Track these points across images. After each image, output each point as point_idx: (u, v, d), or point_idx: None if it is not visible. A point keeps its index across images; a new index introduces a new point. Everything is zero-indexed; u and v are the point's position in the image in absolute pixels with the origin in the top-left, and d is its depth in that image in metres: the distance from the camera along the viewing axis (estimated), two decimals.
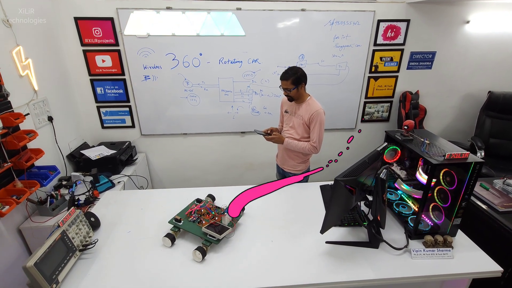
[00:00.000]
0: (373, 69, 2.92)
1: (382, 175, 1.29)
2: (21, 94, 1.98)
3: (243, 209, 1.66)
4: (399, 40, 2.83)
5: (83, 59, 2.61)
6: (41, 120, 2.17)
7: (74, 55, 2.58)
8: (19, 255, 1.88)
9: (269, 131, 2.07)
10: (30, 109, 2.04)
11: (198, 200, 1.59)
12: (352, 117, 3.13)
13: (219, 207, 1.58)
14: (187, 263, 1.31)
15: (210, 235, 1.37)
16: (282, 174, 2.24)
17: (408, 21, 2.76)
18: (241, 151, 3.17)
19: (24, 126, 1.91)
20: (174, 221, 1.47)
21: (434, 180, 1.37)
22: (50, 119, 2.27)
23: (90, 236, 1.45)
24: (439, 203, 1.41)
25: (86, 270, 1.29)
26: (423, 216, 1.47)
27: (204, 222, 1.46)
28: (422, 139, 1.51)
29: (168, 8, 2.49)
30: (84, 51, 2.58)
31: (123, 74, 2.70)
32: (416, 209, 1.59)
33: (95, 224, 1.56)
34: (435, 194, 1.42)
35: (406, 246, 1.37)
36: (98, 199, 2.02)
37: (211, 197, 1.72)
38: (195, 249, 1.30)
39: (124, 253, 1.39)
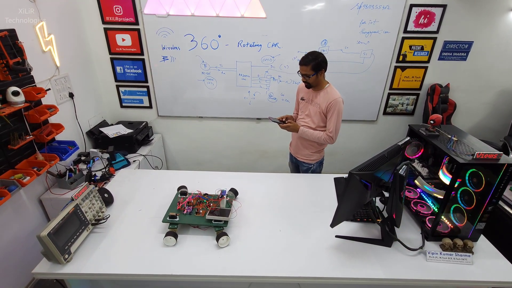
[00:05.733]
0: (400, 58, 2.73)
1: (401, 172, 1.21)
2: (43, 69, 2.02)
3: (236, 192, 1.65)
4: (433, 27, 2.61)
5: (104, 37, 2.62)
6: (62, 96, 2.22)
7: (95, 32, 2.60)
8: (40, 224, 1.99)
9: (284, 119, 2.00)
10: (52, 85, 2.09)
11: (183, 193, 1.57)
12: (373, 109, 2.97)
13: (208, 194, 1.56)
14: (191, 250, 1.31)
15: (215, 221, 1.37)
16: (295, 163, 2.18)
17: (444, 6, 2.52)
18: (255, 137, 3.13)
19: (45, 101, 1.96)
20: (169, 218, 1.38)
21: (458, 180, 1.27)
22: (71, 95, 2.33)
23: (103, 212, 1.49)
24: (462, 205, 1.32)
25: (97, 244, 1.33)
26: (443, 217, 1.38)
27: (201, 211, 1.44)
28: (449, 136, 1.40)
29: None
30: (105, 29, 2.59)
31: (142, 54, 2.70)
32: (436, 210, 1.50)
33: (108, 200, 1.60)
34: (458, 195, 1.32)
35: (421, 247, 1.30)
36: (114, 176, 2.07)
37: (184, 187, 1.66)
38: (218, 236, 1.30)
39: (134, 230, 1.42)
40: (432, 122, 1.46)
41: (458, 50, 2.71)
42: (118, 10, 2.51)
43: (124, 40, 2.64)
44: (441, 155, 1.45)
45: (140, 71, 2.79)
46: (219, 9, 2.49)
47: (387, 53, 2.70)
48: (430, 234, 1.36)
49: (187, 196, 1.54)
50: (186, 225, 1.42)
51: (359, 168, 1.14)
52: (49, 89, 1.96)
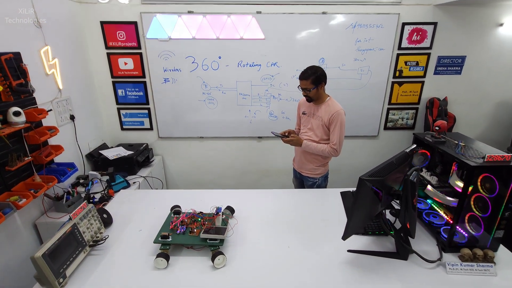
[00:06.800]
0: (397, 74, 2.80)
1: (412, 178, 1.18)
2: (46, 91, 2.04)
3: (233, 210, 1.59)
4: (425, 43, 2.70)
5: (107, 62, 2.69)
6: (63, 118, 2.22)
7: (98, 57, 2.67)
8: (33, 250, 1.87)
9: (286, 133, 1.99)
10: (53, 107, 2.09)
11: (176, 212, 1.50)
12: (374, 124, 2.98)
13: (203, 212, 1.49)
14: (184, 271, 1.22)
15: (210, 239, 1.29)
16: (300, 179, 2.13)
17: (435, 24, 2.63)
18: (257, 156, 3.10)
19: (46, 122, 1.96)
20: (160, 239, 1.30)
21: (471, 186, 1.23)
22: (72, 117, 2.33)
23: (101, 232, 1.42)
24: (477, 212, 1.26)
25: (94, 267, 1.25)
26: (457, 227, 1.32)
27: (196, 230, 1.36)
28: (456, 141, 1.38)
29: (190, 12, 2.53)
30: (108, 54, 2.66)
31: (143, 76, 2.75)
32: (450, 220, 1.44)
33: (107, 220, 1.53)
34: (472, 202, 1.27)
35: (439, 259, 1.23)
36: (113, 198, 2.01)
37: (178, 207, 1.61)
38: (213, 256, 1.22)
39: (134, 251, 1.34)
40: (437, 128, 1.45)
41: (452, 65, 2.79)
42: (121, 35, 2.60)
43: (126, 63, 2.70)
44: (449, 162, 1.41)
45: (141, 93, 2.83)
46: (219, 32, 2.58)
47: (383, 69, 2.76)
48: (447, 245, 1.29)
49: (180, 215, 1.47)
50: (180, 246, 1.34)
51: (369, 174, 1.10)
52: (50, 109, 1.96)
